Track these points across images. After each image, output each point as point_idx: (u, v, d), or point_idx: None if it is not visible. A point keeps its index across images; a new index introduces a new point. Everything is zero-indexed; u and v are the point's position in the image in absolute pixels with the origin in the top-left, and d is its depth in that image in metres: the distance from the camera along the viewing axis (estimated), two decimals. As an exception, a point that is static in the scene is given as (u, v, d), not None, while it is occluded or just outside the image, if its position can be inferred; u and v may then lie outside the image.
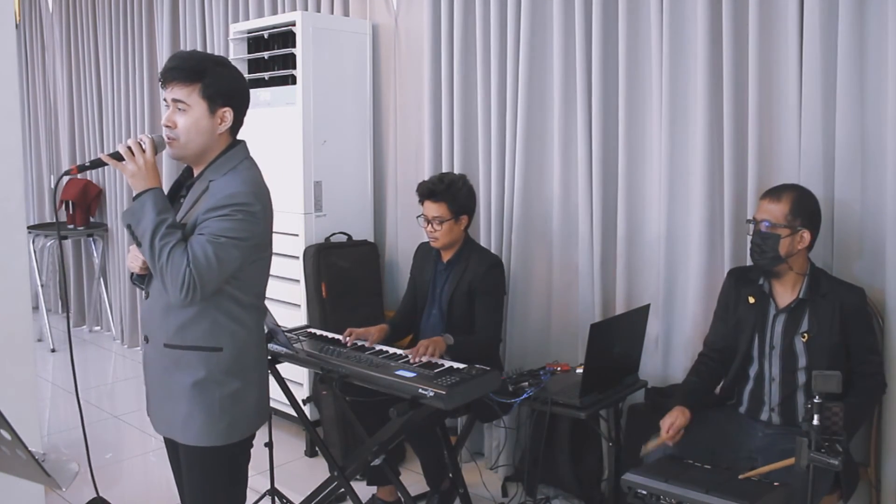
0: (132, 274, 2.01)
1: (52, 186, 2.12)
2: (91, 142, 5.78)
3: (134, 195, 1.85)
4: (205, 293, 1.84)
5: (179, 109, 1.88)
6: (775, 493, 1.97)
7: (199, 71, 1.88)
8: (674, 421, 2.33)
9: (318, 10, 4.07)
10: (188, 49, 4.84)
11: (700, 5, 2.76)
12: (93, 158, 1.93)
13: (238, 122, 1.96)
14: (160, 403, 2.01)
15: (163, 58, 4.99)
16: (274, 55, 3.72)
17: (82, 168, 1.91)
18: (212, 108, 1.89)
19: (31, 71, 6.42)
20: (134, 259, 1.96)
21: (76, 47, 5.84)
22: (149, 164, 1.86)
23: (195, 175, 1.98)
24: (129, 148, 1.85)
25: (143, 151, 1.86)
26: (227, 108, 1.91)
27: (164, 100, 1.91)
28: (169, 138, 1.90)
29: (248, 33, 3.84)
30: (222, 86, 1.91)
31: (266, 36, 3.76)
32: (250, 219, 1.88)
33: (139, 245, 1.85)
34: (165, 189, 1.96)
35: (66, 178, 5.92)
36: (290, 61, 3.65)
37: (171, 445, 2.08)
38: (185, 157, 1.94)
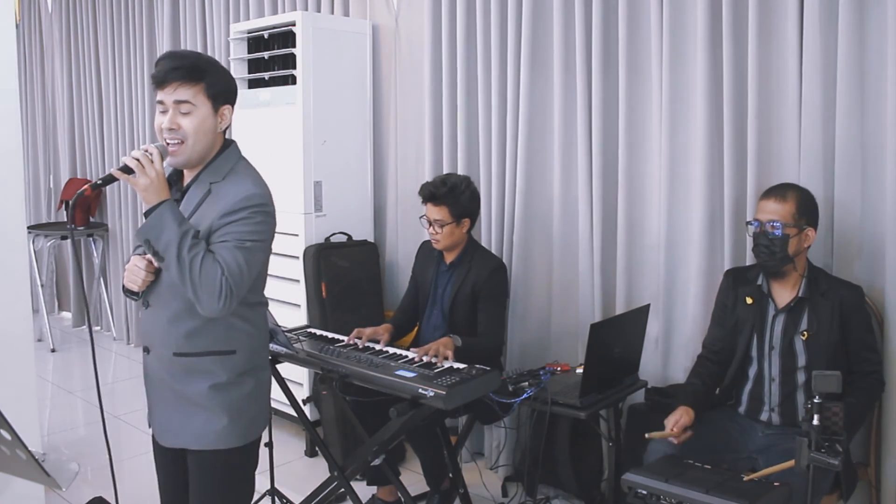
0: (124, 288, 1.94)
1: (72, 204, 2.02)
2: (91, 142, 5.78)
3: (146, 209, 1.79)
4: (238, 300, 1.81)
5: (183, 112, 1.82)
6: (775, 493, 1.97)
7: (201, 69, 1.84)
8: (678, 419, 2.33)
9: (318, 10, 4.07)
10: (187, 49, 4.83)
11: (700, 6, 2.76)
12: (104, 175, 1.84)
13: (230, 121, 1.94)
14: (168, 415, 1.96)
15: (163, 58, 4.98)
16: (274, 55, 3.72)
17: (95, 186, 1.83)
18: (215, 107, 1.86)
19: (31, 71, 6.42)
20: (133, 277, 1.88)
21: (76, 47, 5.84)
22: (160, 175, 1.79)
23: (186, 178, 1.93)
24: (138, 160, 1.78)
25: (152, 162, 1.79)
26: (227, 106, 1.90)
27: (161, 102, 1.84)
28: (173, 142, 1.83)
29: (249, 33, 3.84)
30: (223, 84, 1.88)
31: (266, 36, 3.76)
32: (268, 219, 1.88)
33: (161, 260, 1.78)
34: None
35: (65, 180, 5.97)
36: (290, 61, 3.65)
37: (167, 453, 2.02)
38: (190, 162, 1.88)
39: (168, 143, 1.84)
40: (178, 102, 1.82)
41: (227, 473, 1.95)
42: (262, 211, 1.85)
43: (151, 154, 1.80)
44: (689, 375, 2.58)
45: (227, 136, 1.96)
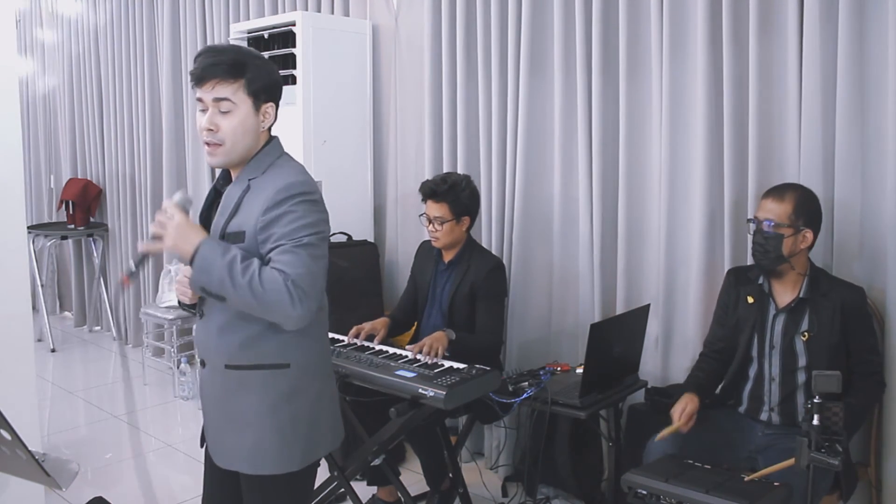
0: (179, 302, 1.87)
1: (119, 283, 1.93)
2: (91, 142, 5.79)
3: (189, 260, 1.68)
4: (317, 301, 1.69)
5: (223, 111, 1.71)
6: (775, 493, 1.97)
7: (242, 65, 1.72)
8: (684, 407, 2.34)
9: (319, 10, 4.07)
10: (188, 48, 4.84)
11: (700, 6, 2.76)
12: (136, 259, 1.76)
13: (276, 117, 1.83)
14: (221, 433, 1.84)
15: (163, 58, 4.99)
16: (274, 55, 3.72)
17: (132, 274, 1.75)
18: (256, 105, 1.75)
19: (31, 70, 6.42)
20: (183, 289, 1.81)
21: (76, 47, 5.84)
22: (182, 225, 1.68)
23: (233, 177, 1.83)
24: (159, 222, 1.69)
25: (172, 217, 1.69)
26: (270, 104, 1.78)
27: (200, 100, 1.74)
28: (212, 143, 1.74)
29: (249, 33, 3.84)
30: (265, 80, 1.76)
31: (266, 36, 3.76)
32: (316, 207, 1.74)
33: (223, 300, 1.67)
34: (201, 199, 1.83)
35: (66, 179, 5.97)
36: (290, 61, 3.65)
37: (218, 471, 1.89)
38: (230, 163, 1.78)
39: (206, 144, 1.75)
40: (218, 100, 1.71)
41: (281, 499, 1.82)
42: (305, 200, 1.71)
43: (167, 212, 1.71)
44: (691, 370, 2.58)
45: (271, 133, 1.85)
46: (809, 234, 2.34)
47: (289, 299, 1.63)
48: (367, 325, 2.90)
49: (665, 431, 2.35)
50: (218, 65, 1.71)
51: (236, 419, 1.79)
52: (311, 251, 1.69)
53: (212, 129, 1.72)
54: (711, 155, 2.81)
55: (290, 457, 1.79)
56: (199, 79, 1.72)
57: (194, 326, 1.90)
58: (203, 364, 1.86)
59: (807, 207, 2.34)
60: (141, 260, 1.76)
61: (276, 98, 1.81)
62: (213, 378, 1.83)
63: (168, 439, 3.83)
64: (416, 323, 3.17)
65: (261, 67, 1.77)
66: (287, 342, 1.77)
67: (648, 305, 2.89)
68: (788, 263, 2.35)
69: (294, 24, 3.59)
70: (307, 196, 1.73)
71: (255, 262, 1.66)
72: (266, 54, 3.72)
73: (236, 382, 1.78)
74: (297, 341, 1.78)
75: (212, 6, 4.68)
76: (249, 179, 1.77)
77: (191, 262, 1.68)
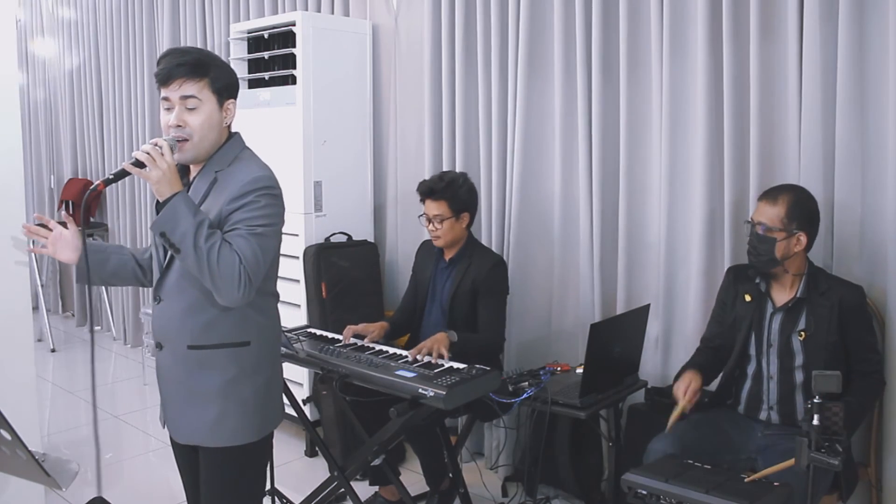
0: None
1: (84, 199, 2.03)
2: (91, 142, 5.79)
3: (160, 201, 1.76)
4: (255, 289, 1.80)
5: (189, 108, 1.82)
6: (775, 493, 1.97)
7: (205, 65, 1.84)
8: (688, 384, 2.34)
9: (319, 10, 4.07)
10: (188, 45, 4.84)
11: (700, 6, 2.76)
12: (115, 170, 1.80)
13: (234, 114, 1.94)
14: (181, 410, 1.93)
15: (163, 58, 4.99)
16: (274, 55, 3.72)
17: (108, 182, 1.79)
18: (220, 102, 1.87)
19: (32, 70, 6.42)
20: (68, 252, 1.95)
21: (76, 47, 5.84)
22: (171, 168, 1.77)
23: (192, 172, 1.92)
24: (149, 154, 1.75)
25: (163, 155, 1.76)
26: (231, 100, 1.90)
27: (166, 99, 1.83)
28: (180, 139, 1.82)
29: (249, 33, 3.84)
30: (227, 79, 1.89)
31: (266, 36, 3.76)
32: (276, 202, 1.86)
33: (177, 252, 1.76)
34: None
35: (66, 179, 5.97)
36: (290, 61, 3.65)
37: (184, 451, 2.01)
38: (197, 158, 1.87)
39: (177, 139, 1.83)
40: (185, 98, 1.82)
41: (241, 469, 1.94)
42: (268, 194, 1.84)
43: (161, 147, 1.77)
44: (691, 357, 2.58)
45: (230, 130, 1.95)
46: (803, 237, 2.32)
47: (237, 282, 1.75)
48: (359, 326, 2.89)
49: (673, 417, 2.33)
50: (183, 65, 1.82)
51: (199, 395, 1.89)
52: (262, 241, 1.81)
53: (180, 125, 1.83)
54: (711, 155, 2.81)
55: (251, 428, 1.91)
56: (166, 78, 1.82)
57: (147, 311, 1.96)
58: (160, 346, 1.94)
59: (800, 210, 2.32)
60: (119, 175, 1.80)
61: (235, 96, 1.93)
62: (173, 360, 1.92)
63: (168, 439, 3.83)
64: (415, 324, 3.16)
65: (221, 67, 1.90)
66: (247, 321, 1.89)
67: (648, 305, 2.90)
68: (782, 266, 2.34)
69: (294, 25, 3.59)
70: (270, 190, 1.85)
71: (219, 234, 1.78)
72: (266, 54, 3.74)
73: (198, 362, 1.88)
74: (257, 321, 1.91)
75: (212, 6, 4.68)
76: (216, 171, 1.88)
77: (161, 206, 1.76)
